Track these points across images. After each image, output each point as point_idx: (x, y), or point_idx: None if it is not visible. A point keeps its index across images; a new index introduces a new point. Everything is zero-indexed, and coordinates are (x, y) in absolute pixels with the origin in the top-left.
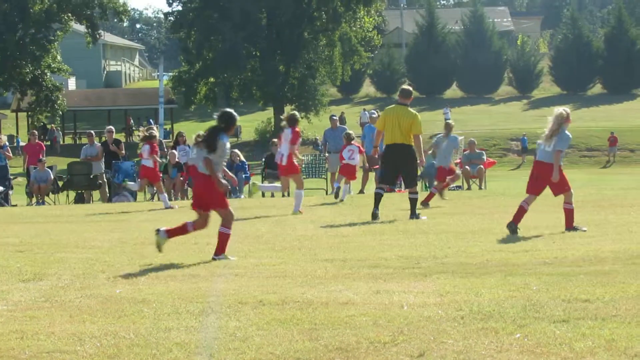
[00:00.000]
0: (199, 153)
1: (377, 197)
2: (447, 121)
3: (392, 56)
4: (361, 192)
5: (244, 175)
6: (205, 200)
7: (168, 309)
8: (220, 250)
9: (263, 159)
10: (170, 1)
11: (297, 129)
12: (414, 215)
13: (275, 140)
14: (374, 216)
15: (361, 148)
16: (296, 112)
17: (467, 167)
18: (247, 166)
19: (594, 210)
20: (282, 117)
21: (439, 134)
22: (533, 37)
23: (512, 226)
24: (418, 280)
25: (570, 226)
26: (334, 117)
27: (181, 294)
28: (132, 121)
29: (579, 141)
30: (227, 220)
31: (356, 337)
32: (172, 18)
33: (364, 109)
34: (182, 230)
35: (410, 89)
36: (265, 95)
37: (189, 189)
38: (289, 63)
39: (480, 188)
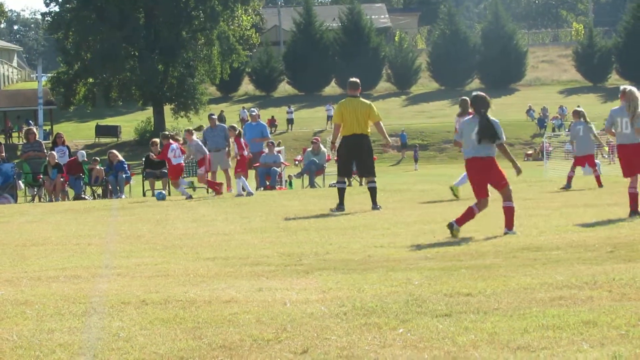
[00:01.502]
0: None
1: (341, 192)
2: (578, 109)
3: (271, 54)
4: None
5: (124, 175)
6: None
7: (51, 310)
8: (511, 225)
9: (143, 159)
10: (48, 1)
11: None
12: (375, 205)
13: (156, 140)
14: (341, 209)
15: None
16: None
17: None
18: (126, 166)
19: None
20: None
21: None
22: (411, 34)
23: (634, 214)
24: (300, 277)
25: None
26: (213, 116)
27: (63, 295)
28: (10, 123)
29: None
30: (510, 194)
31: (239, 335)
32: (49, 19)
33: (244, 107)
34: (469, 215)
35: (358, 80)
36: (144, 95)
37: (68, 190)
38: (167, 62)
39: (360, 185)
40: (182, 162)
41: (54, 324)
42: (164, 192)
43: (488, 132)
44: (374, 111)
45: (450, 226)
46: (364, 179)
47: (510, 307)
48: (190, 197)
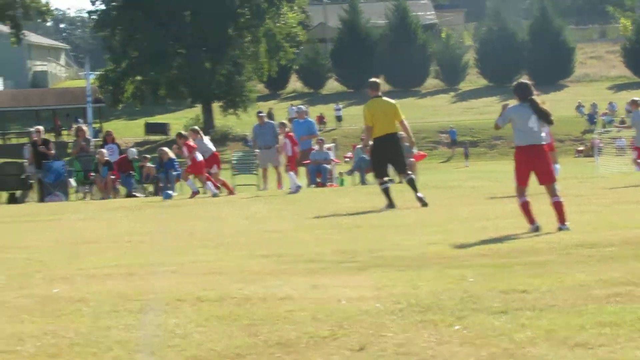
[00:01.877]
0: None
1: (387, 191)
2: (636, 99)
3: (318, 51)
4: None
5: (174, 173)
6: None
7: (107, 307)
8: (563, 219)
9: None
10: (93, 0)
11: None
12: (418, 193)
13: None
14: (391, 207)
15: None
16: None
17: None
18: (177, 163)
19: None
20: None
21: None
22: (457, 30)
23: None
24: (354, 274)
25: None
26: (261, 114)
27: (119, 292)
28: (60, 121)
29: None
30: (556, 189)
31: (295, 332)
32: (95, 17)
33: (292, 104)
34: (528, 209)
35: (378, 80)
36: (192, 92)
37: (119, 187)
38: (215, 60)
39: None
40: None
41: (110, 321)
42: (170, 192)
43: (546, 114)
44: (398, 110)
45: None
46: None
47: (566, 304)
48: (197, 192)
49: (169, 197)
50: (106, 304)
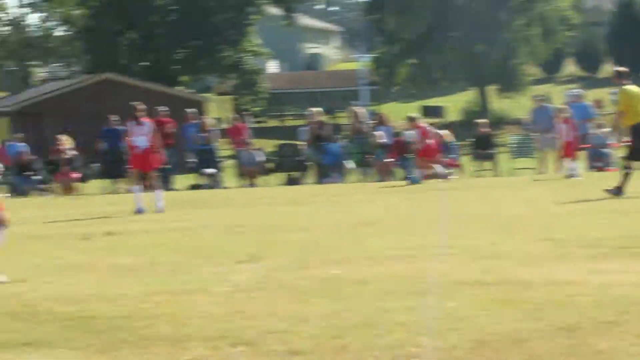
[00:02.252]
0: None
1: (628, 177)
2: None
3: (592, 34)
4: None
5: (453, 156)
6: None
7: (388, 289)
8: None
9: (473, 139)
10: None
11: None
12: None
13: (481, 121)
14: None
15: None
16: None
17: None
18: (455, 147)
19: None
20: None
21: None
22: None
23: None
24: (638, 259)
25: None
26: (538, 97)
27: (400, 274)
28: (335, 103)
29: None
30: None
31: (578, 317)
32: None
33: (569, 89)
34: None
35: (624, 68)
36: (466, 76)
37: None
38: (488, 43)
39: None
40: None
41: (392, 303)
42: (415, 176)
43: None
44: None
45: None
46: None
47: None
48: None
49: (416, 181)
50: (387, 285)
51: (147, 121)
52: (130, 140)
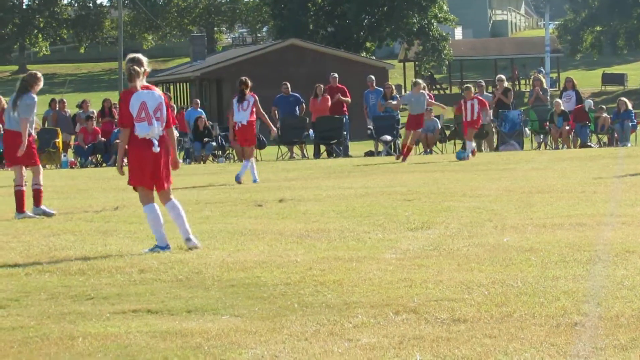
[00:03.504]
0: None
1: None
2: None
3: None
4: None
5: (630, 124)
6: None
7: (555, 257)
8: None
9: None
10: None
11: None
12: None
13: None
14: None
15: None
16: None
17: None
18: (633, 114)
19: None
20: None
21: None
22: None
23: None
24: None
25: None
26: None
27: (568, 242)
28: (517, 70)
29: None
30: None
31: None
32: None
33: None
34: None
35: None
36: None
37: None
38: None
39: None
40: None
41: (558, 271)
42: (465, 152)
43: None
44: None
45: None
46: None
47: None
48: None
49: (462, 156)
50: (555, 254)
51: (250, 96)
52: (232, 116)
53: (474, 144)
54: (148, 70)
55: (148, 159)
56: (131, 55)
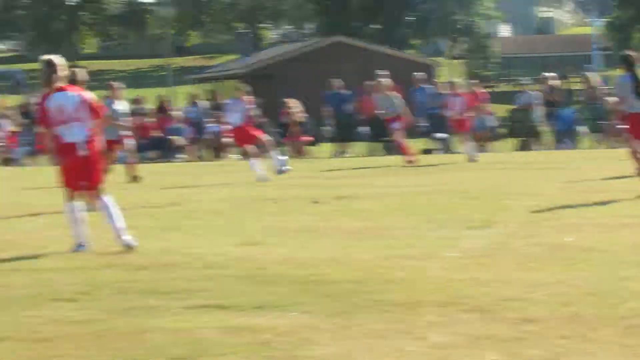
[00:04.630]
0: None
1: None
2: None
3: None
4: None
5: None
6: None
7: (620, 258)
8: None
9: None
10: None
11: None
12: None
13: None
14: None
15: None
16: None
17: None
18: None
19: None
20: None
21: None
22: None
23: None
24: None
25: None
26: None
27: (632, 242)
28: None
29: None
30: None
31: None
32: None
33: None
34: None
35: None
36: None
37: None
38: None
39: None
40: None
41: (626, 272)
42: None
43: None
44: None
45: None
46: None
47: None
48: None
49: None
50: (619, 254)
51: (245, 100)
52: (225, 117)
53: (472, 145)
54: (65, 73)
55: (74, 163)
56: (44, 57)
